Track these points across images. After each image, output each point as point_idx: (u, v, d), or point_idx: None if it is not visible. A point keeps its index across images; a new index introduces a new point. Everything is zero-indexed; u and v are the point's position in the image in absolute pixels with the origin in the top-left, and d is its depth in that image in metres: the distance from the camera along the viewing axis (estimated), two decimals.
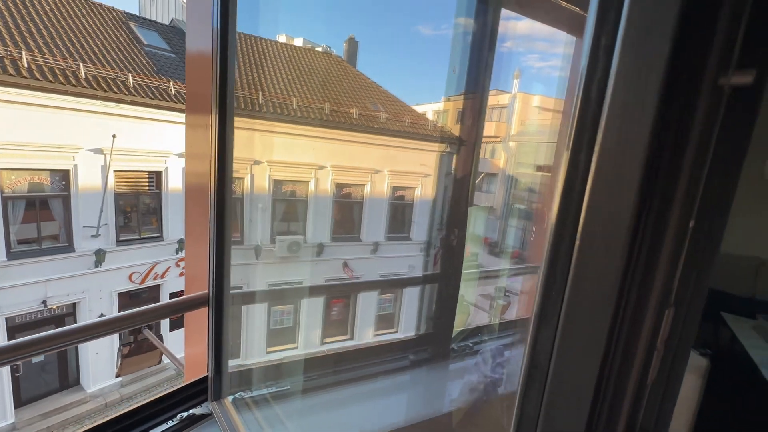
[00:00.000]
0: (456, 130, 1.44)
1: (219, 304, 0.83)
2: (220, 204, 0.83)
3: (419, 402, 1.04)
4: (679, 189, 0.22)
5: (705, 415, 1.74)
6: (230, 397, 0.85)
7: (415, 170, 6.75)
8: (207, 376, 0.84)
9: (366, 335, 6.97)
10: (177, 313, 0.84)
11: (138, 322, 0.79)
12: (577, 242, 0.25)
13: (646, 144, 0.21)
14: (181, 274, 6.37)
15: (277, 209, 6.50)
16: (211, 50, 0.76)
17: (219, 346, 0.82)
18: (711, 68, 0.19)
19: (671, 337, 0.26)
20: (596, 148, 0.23)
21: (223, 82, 0.75)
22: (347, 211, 6.89)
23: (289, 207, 6.66)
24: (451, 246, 1.24)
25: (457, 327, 1.39)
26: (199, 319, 0.89)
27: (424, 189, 6.89)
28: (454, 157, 1.40)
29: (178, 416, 0.80)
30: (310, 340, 6.19)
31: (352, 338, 7.23)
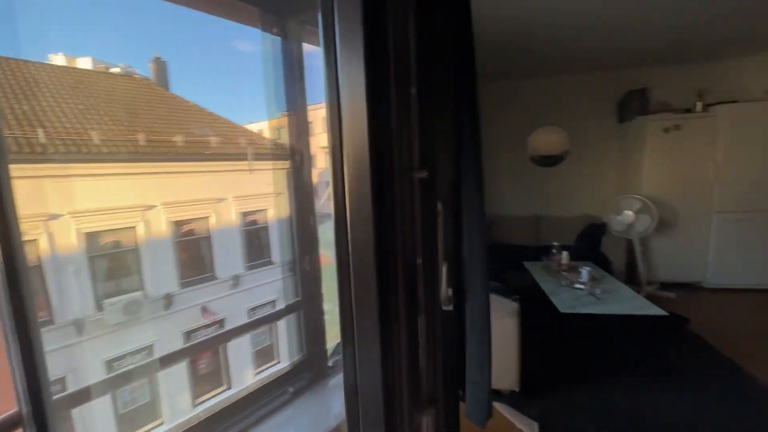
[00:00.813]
0: (295, 144, 1.53)
1: (40, 419, 0.68)
2: (12, 282, 0.68)
3: (307, 428, 1.07)
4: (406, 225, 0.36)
5: (524, 342, 2.28)
6: None
7: (263, 191, 6.53)
8: None
9: (245, 378, 6.38)
10: None
11: None
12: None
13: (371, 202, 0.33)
14: None
15: (97, 267, 5.31)
16: None
17: None
18: (408, 169, 0.32)
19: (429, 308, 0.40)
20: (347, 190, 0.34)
21: None
22: (194, 250, 6.17)
23: (114, 261, 5.53)
24: (307, 263, 1.31)
25: (330, 342, 1.47)
26: None
27: (277, 208, 6.73)
28: (301, 171, 1.47)
29: None
30: (177, 408, 5.31)
31: (229, 387, 6.51)
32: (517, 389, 2.30)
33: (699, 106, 3.93)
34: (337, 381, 1.31)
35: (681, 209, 4.02)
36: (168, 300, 5.47)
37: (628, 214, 3.84)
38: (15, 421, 0.68)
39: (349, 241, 0.31)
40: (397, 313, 0.32)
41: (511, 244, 4.31)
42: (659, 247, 4.12)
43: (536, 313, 3.27)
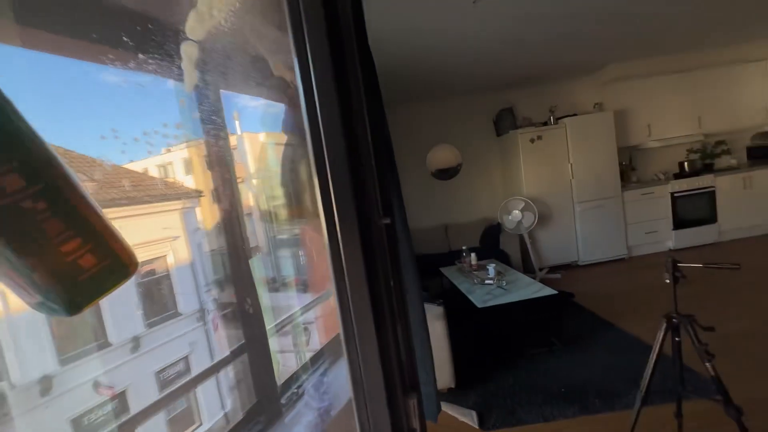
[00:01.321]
0: (206, 179, 1.48)
1: None
2: None
3: None
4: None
5: (453, 338, 2.50)
6: None
7: (159, 236, 5.88)
8: None
9: None
10: None
11: None
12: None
13: (359, 239, 0.43)
14: None
15: None
16: None
17: None
18: (374, 215, 0.43)
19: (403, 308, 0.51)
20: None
21: None
22: (76, 317, 5.21)
23: None
24: (248, 304, 1.30)
25: (279, 381, 1.46)
26: None
27: (177, 253, 6.11)
28: (225, 205, 1.45)
29: None
30: None
31: None
32: (453, 386, 2.50)
33: (552, 119, 4.86)
34: (292, 415, 1.31)
35: (553, 204, 4.86)
36: (47, 384, 4.51)
37: (516, 214, 4.50)
38: None
39: (345, 268, 0.40)
40: (384, 321, 0.42)
41: (427, 253, 4.67)
42: (542, 237, 4.89)
43: (458, 313, 3.59)
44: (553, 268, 4.86)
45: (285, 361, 1.77)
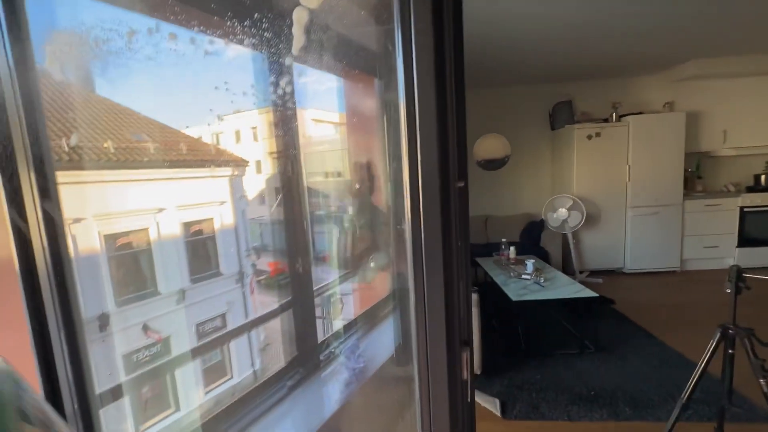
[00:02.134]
0: (269, 147, 1.56)
1: (86, 414, 0.71)
2: (59, 276, 0.72)
3: (312, 412, 1.16)
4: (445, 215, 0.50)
5: (483, 328, 2.51)
6: None
7: (210, 199, 6.26)
8: None
9: (196, 398, 6.04)
10: None
11: None
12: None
13: (439, 200, 0.47)
14: None
15: None
16: None
17: None
18: (452, 178, 0.46)
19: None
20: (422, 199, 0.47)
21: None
22: (132, 265, 5.73)
23: None
24: (300, 265, 1.38)
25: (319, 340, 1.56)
26: None
27: (223, 217, 6.48)
28: (290, 175, 1.53)
29: None
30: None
31: (178, 410, 6.11)
32: (479, 372, 2.52)
33: (614, 116, 4.57)
34: (329, 371, 1.40)
35: (603, 206, 4.62)
36: (104, 320, 5.04)
37: (562, 212, 4.33)
38: None
39: (422, 223, 0.44)
40: (451, 276, 0.45)
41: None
42: (587, 239, 4.69)
43: (489, 303, 3.57)
44: (595, 272, 4.67)
45: (324, 324, 1.88)
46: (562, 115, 4.81)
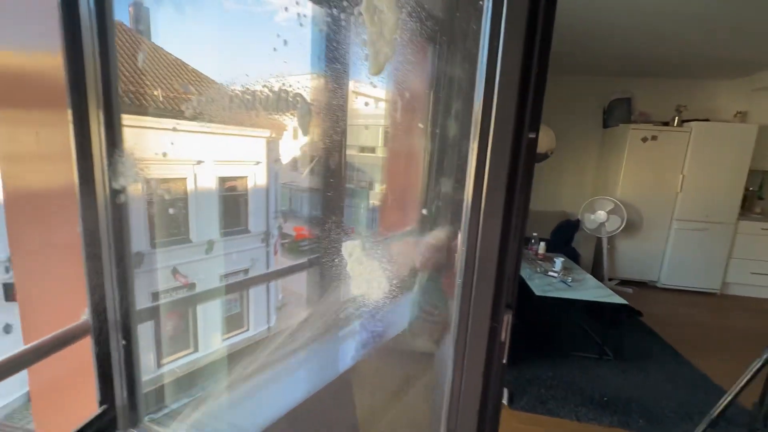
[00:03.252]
0: (317, 113, 1.55)
1: (126, 325, 0.75)
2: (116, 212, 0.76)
3: (326, 366, 1.19)
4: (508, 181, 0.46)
5: None
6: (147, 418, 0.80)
7: (246, 158, 6.41)
8: (105, 409, 0.76)
9: (213, 343, 6.42)
10: (56, 350, 0.72)
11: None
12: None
13: (510, 150, 0.43)
14: None
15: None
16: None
17: (131, 371, 0.75)
18: (525, 128, 0.42)
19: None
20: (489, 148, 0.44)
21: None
22: (168, 211, 6.03)
23: None
24: (330, 221, 1.40)
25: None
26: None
27: (256, 177, 6.62)
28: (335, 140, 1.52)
29: None
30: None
31: (197, 351, 6.53)
32: None
33: (676, 120, 4.23)
34: (348, 330, 1.43)
35: (646, 213, 4.37)
36: (138, 258, 5.37)
37: (601, 214, 4.13)
38: (85, 329, 0.75)
39: (487, 170, 0.41)
40: (507, 233, 0.43)
41: None
42: (623, 246, 4.47)
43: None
44: (625, 282, 4.47)
45: (343, 286, 1.90)
46: (617, 113, 4.51)
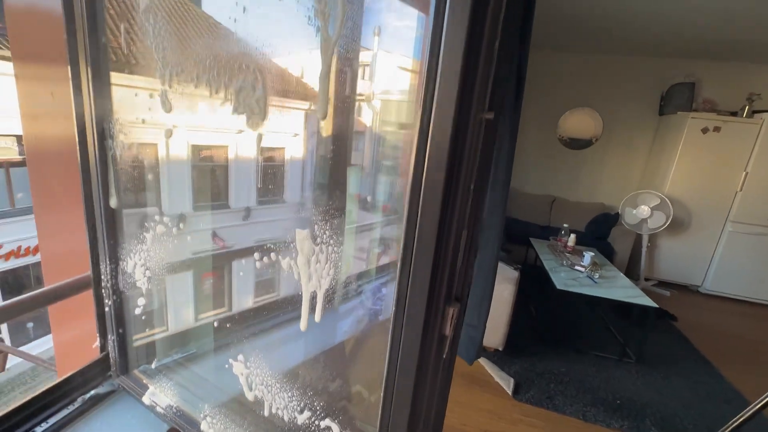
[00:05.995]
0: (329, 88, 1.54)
1: (116, 285, 0.82)
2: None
3: (320, 338, 1.23)
4: (463, 168, 0.43)
5: (516, 309, 2.42)
6: (138, 369, 0.87)
7: (284, 130, 6.56)
8: (105, 355, 0.84)
9: (245, 303, 6.81)
10: (61, 298, 0.80)
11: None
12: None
13: (451, 132, 0.40)
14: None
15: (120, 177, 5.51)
16: None
17: (121, 321, 0.82)
18: (476, 108, 0.39)
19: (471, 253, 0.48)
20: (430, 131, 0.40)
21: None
22: (210, 177, 6.36)
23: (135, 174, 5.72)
24: (334, 205, 1.40)
25: (343, 275, 1.61)
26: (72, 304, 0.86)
27: (293, 149, 6.77)
28: (328, 116, 1.50)
29: (79, 399, 0.78)
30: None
31: (230, 309, 6.95)
32: (501, 348, 2.48)
33: (746, 110, 3.77)
34: (347, 307, 1.45)
35: (697, 212, 4.01)
36: (182, 220, 5.75)
37: (644, 209, 3.84)
38: (87, 282, 0.82)
39: (427, 154, 0.39)
40: (451, 224, 0.41)
41: (520, 219, 4.37)
42: (665, 245, 4.16)
43: (532, 286, 3.41)
44: (664, 284, 4.19)
45: (353, 263, 1.92)
46: (677, 99, 4.09)
